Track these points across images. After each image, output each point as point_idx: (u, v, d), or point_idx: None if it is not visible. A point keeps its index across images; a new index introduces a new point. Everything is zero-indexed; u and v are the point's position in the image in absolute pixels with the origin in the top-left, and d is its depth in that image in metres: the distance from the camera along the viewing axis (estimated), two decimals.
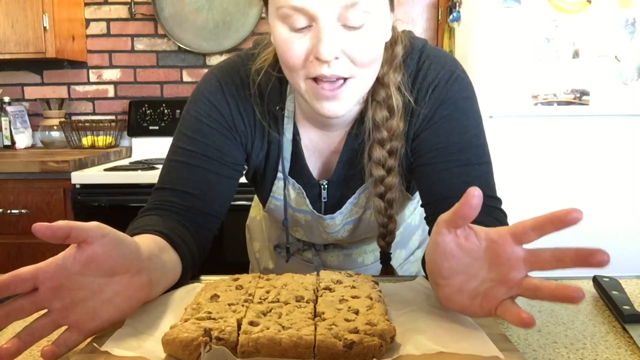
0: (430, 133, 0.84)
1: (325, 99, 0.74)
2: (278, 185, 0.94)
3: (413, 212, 1.11)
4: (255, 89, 0.87)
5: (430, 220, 0.86)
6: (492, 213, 0.80)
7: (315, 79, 0.74)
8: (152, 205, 0.84)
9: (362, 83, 0.76)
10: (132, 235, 0.73)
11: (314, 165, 0.93)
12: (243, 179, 0.96)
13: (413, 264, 1.14)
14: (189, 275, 0.78)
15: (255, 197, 1.21)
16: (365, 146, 0.86)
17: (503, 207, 0.84)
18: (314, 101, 0.76)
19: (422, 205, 0.88)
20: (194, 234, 0.83)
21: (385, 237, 0.90)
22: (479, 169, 0.82)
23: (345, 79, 0.74)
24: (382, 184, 0.86)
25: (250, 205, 1.29)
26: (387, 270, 0.94)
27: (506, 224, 0.81)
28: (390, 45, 0.83)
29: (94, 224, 0.55)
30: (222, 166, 0.86)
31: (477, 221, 0.77)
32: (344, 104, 0.76)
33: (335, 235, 0.99)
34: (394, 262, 1.11)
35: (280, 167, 0.92)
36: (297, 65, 0.73)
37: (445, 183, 0.82)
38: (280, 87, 0.87)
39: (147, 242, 0.68)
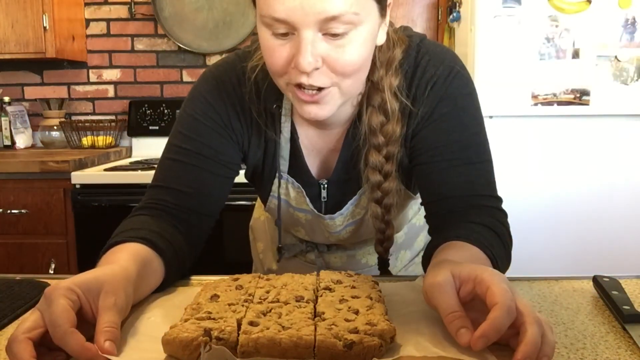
0: (430, 131, 0.83)
1: (306, 103, 0.75)
2: (277, 184, 0.93)
3: (417, 212, 1.10)
4: (252, 86, 0.86)
5: (430, 218, 0.86)
6: (493, 213, 0.80)
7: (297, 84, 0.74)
8: (145, 203, 0.84)
9: (345, 90, 0.76)
10: (116, 243, 0.73)
11: (313, 164, 0.93)
12: (243, 179, 0.95)
13: (418, 265, 1.13)
14: (172, 280, 0.78)
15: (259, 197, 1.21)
16: (362, 151, 0.85)
17: (503, 206, 0.83)
18: (296, 104, 0.77)
19: (422, 204, 0.88)
20: (185, 235, 0.83)
21: (383, 242, 0.89)
22: (479, 168, 0.82)
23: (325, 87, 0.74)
24: (379, 189, 0.85)
25: (250, 205, 1.29)
26: (385, 275, 0.94)
27: (507, 224, 0.81)
28: (388, 48, 0.82)
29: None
30: (217, 165, 0.86)
31: (477, 221, 0.77)
32: (326, 108, 0.76)
33: (337, 235, 0.98)
34: (399, 264, 1.11)
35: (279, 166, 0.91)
36: (279, 71, 0.74)
37: (446, 182, 0.82)
38: (277, 85, 0.87)
39: (126, 265, 0.67)
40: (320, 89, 0.73)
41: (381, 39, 0.79)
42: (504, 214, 0.82)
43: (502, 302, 0.52)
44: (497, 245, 0.75)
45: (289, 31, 0.70)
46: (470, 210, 0.80)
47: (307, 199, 0.94)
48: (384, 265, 0.93)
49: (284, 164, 0.91)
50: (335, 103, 0.76)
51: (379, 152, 0.84)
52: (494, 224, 0.77)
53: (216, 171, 0.86)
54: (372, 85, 0.82)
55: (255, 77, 0.86)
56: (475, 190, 0.81)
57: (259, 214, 1.23)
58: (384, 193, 0.85)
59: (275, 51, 0.72)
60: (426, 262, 0.77)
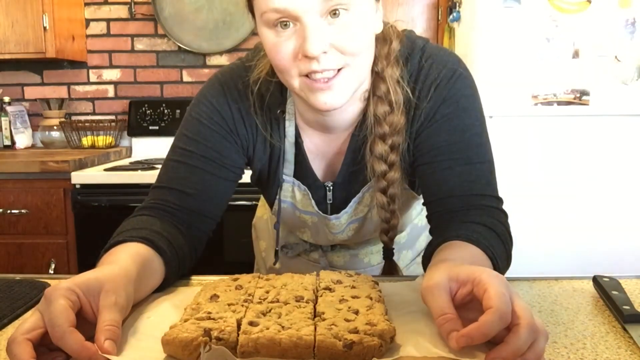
0: (432, 131, 0.84)
1: (320, 90, 0.75)
2: (284, 187, 0.94)
3: (420, 212, 1.10)
4: (255, 99, 0.87)
5: (431, 218, 0.86)
6: (493, 213, 0.80)
7: (308, 76, 0.74)
8: (148, 204, 0.85)
9: (355, 71, 0.76)
10: (117, 243, 0.73)
11: (318, 167, 0.93)
12: (243, 180, 0.96)
13: (419, 265, 1.14)
14: (172, 280, 0.78)
15: (262, 197, 1.22)
16: (367, 142, 0.86)
17: (504, 207, 0.83)
18: (310, 95, 0.76)
19: (424, 204, 0.88)
20: (187, 236, 0.83)
21: (388, 232, 0.90)
22: (480, 168, 0.82)
23: (338, 70, 0.74)
24: (384, 179, 0.86)
25: (251, 205, 1.29)
26: (390, 265, 0.94)
27: (507, 224, 0.81)
28: (385, 41, 0.83)
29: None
30: (220, 168, 0.87)
31: (478, 221, 0.77)
32: (340, 94, 0.76)
33: (340, 235, 0.99)
34: (401, 264, 1.11)
35: (284, 170, 0.92)
36: (288, 65, 0.74)
37: (447, 182, 0.82)
38: (280, 92, 0.88)
39: (126, 265, 0.67)
40: (332, 72, 0.74)
41: (378, 26, 0.80)
42: (504, 214, 0.82)
43: (496, 306, 0.52)
44: (498, 246, 0.75)
45: (292, 24, 0.71)
46: (471, 210, 0.80)
47: (313, 202, 0.94)
48: (388, 255, 0.93)
49: (289, 167, 0.92)
50: (348, 88, 0.77)
51: (384, 142, 0.84)
52: (494, 224, 0.77)
53: (219, 174, 0.87)
54: (376, 76, 0.83)
55: (258, 90, 0.87)
56: (476, 190, 0.81)
57: (262, 212, 1.23)
58: (389, 182, 0.86)
59: (281, 46, 0.73)
60: (426, 261, 0.77)
